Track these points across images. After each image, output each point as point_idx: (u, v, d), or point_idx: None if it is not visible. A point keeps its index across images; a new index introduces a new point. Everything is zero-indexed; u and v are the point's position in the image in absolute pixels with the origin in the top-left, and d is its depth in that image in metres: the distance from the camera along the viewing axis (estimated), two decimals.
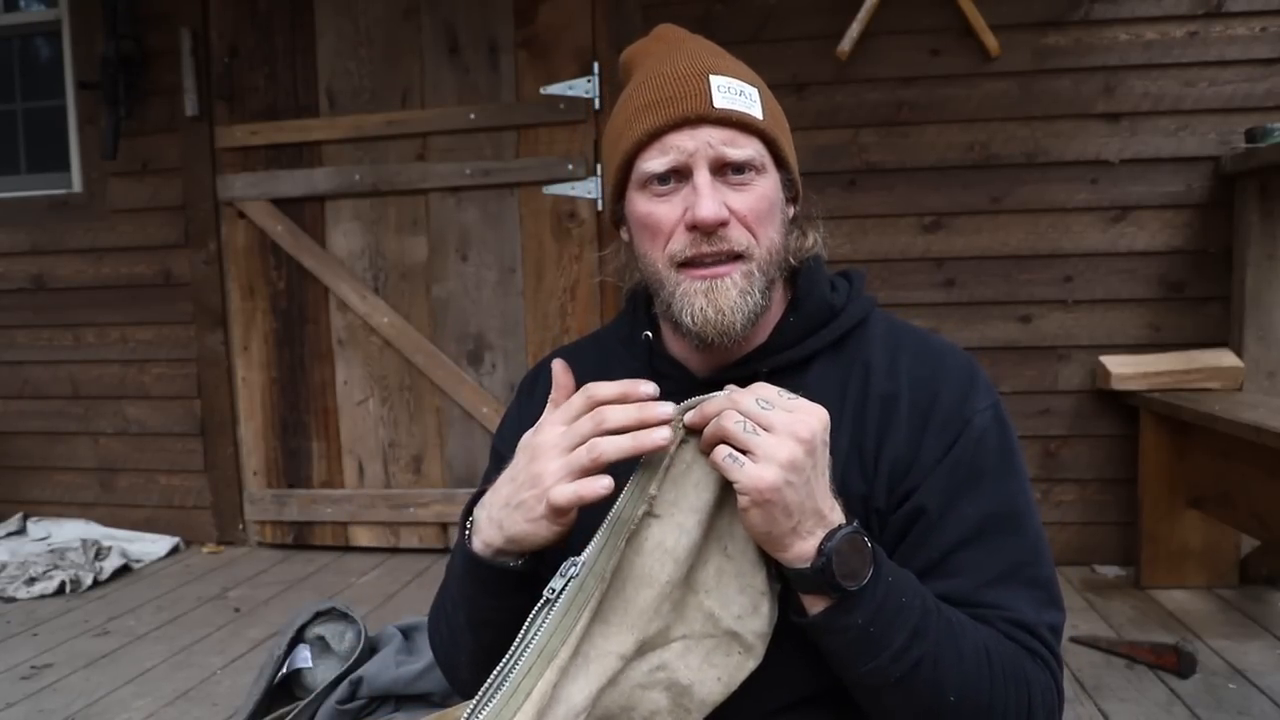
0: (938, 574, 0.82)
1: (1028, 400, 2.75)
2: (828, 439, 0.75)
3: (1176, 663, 2.01)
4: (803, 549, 0.74)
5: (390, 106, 3.02)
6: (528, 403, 1.03)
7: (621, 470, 0.75)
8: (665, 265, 0.86)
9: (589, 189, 2.91)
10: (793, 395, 0.75)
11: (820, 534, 0.74)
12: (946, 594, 0.81)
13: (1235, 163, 2.54)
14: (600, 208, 2.91)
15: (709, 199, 0.82)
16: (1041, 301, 2.75)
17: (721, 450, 0.73)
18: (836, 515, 0.75)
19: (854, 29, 2.69)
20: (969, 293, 2.78)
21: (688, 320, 0.84)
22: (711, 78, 0.84)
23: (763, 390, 0.75)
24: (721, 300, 0.83)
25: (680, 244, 0.84)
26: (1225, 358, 2.58)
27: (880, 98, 2.76)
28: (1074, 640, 2.21)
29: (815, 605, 0.76)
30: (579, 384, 0.98)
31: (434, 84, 3.00)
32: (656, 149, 0.84)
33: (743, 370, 0.89)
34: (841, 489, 0.84)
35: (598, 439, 0.73)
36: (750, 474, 0.71)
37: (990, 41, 2.66)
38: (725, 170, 0.84)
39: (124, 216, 3.26)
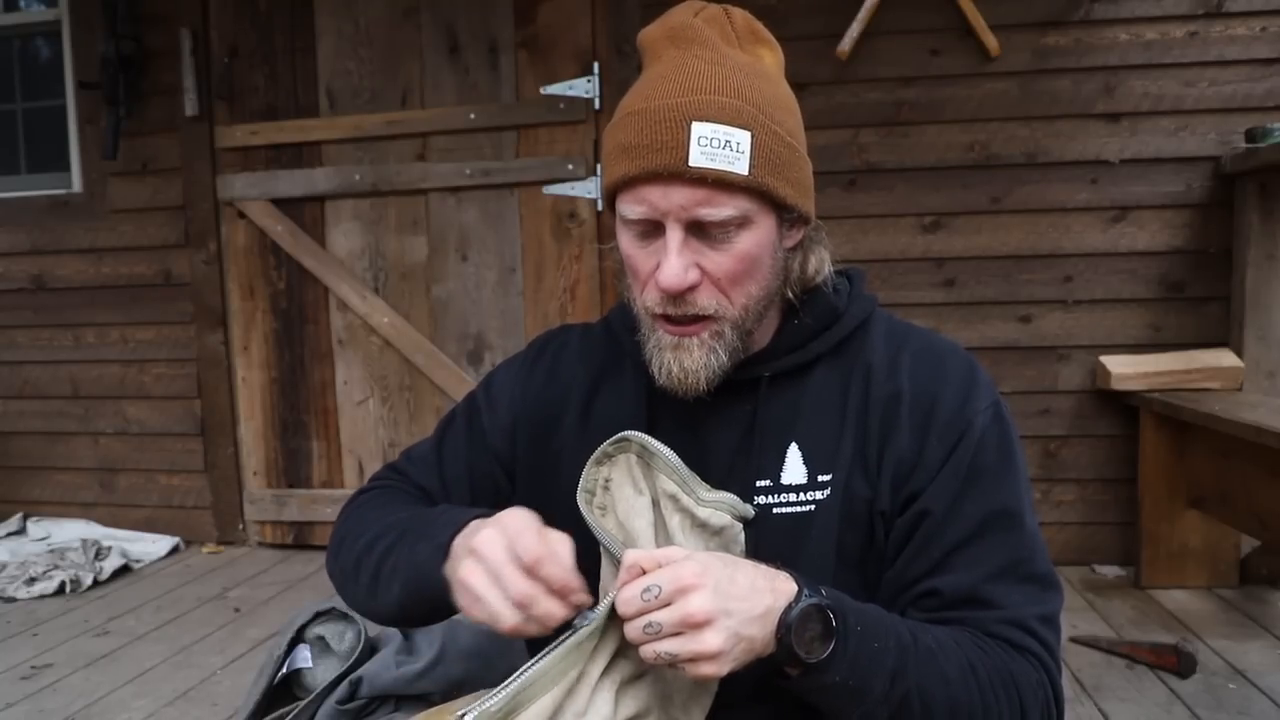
0: (938, 571, 0.83)
1: (1028, 400, 2.75)
2: (712, 564, 0.72)
3: (1176, 663, 2.01)
4: (766, 646, 0.74)
5: (390, 106, 3.02)
6: (532, 370, 1.03)
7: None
8: (642, 309, 0.87)
9: (589, 189, 2.91)
10: (663, 555, 0.73)
11: (771, 627, 0.73)
12: (944, 589, 0.82)
13: (1235, 163, 2.54)
14: (600, 208, 2.91)
15: (674, 265, 0.80)
16: (1041, 301, 2.75)
17: (664, 658, 0.71)
18: (780, 599, 0.74)
19: (854, 29, 2.69)
20: (969, 293, 2.78)
21: (655, 371, 0.86)
22: (694, 126, 0.77)
23: (638, 582, 0.71)
24: (686, 360, 0.84)
25: (652, 299, 0.84)
26: (1225, 358, 2.58)
27: (880, 98, 2.76)
28: (1074, 640, 2.21)
29: (793, 667, 0.76)
30: (589, 371, 0.99)
31: (434, 84, 3.00)
32: (632, 196, 0.81)
33: (746, 374, 0.89)
34: (846, 492, 0.85)
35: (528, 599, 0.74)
36: (702, 672, 0.71)
37: (990, 41, 2.66)
38: (703, 227, 0.81)
39: (124, 216, 3.25)
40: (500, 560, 0.74)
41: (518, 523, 0.76)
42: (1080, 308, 2.73)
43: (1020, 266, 2.75)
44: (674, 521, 0.84)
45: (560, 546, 0.75)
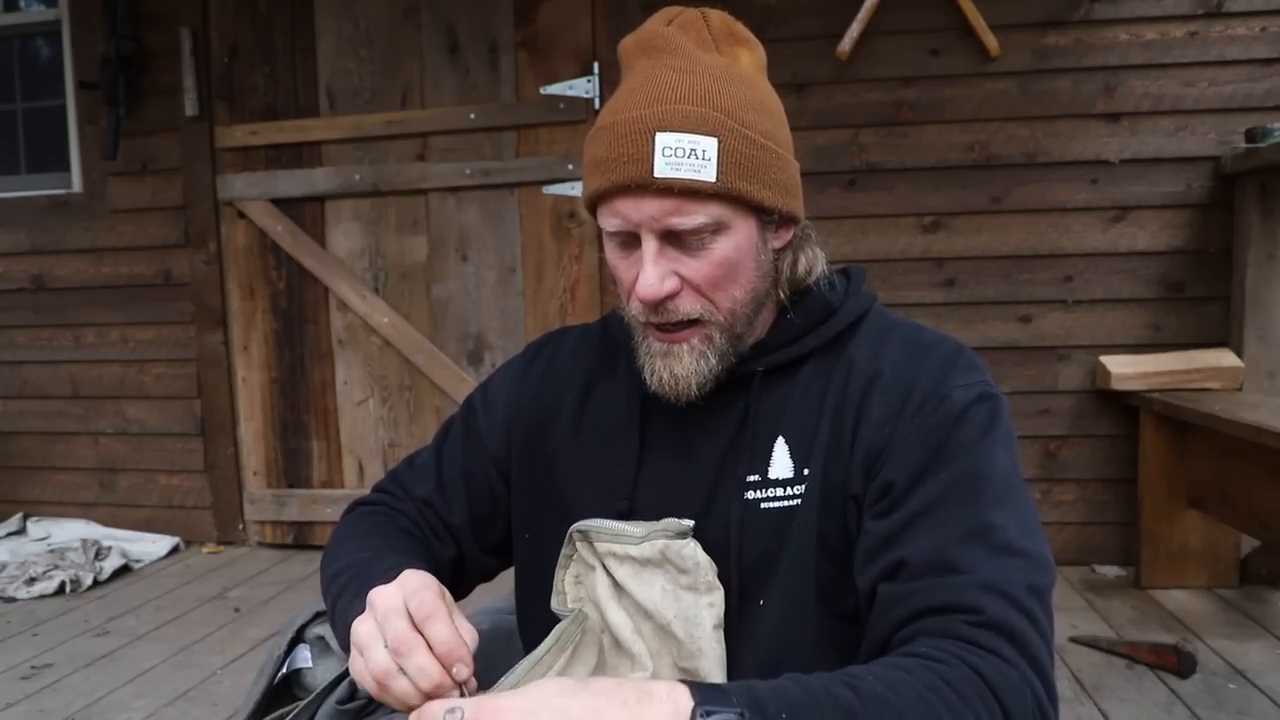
0: (900, 541, 0.77)
1: (1028, 400, 2.75)
2: (539, 689, 0.62)
3: (1176, 663, 2.01)
4: None
5: (390, 106, 3.02)
6: (527, 372, 1.04)
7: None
8: (632, 318, 0.88)
9: None
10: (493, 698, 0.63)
11: None
12: (912, 558, 0.75)
13: (1235, 163, 2.54)
14: None
15: (649, 275, 0.80)
16: (1041, 301, 2.75)
17: None
18: (650, 715, 0.61)
19: (854, 29, 2.69)
20: (969, 293, 2.78)
21: (647, 378, 0.87)
22: (658, 137, 0.78)
23: (440, 702, 0.64)
24: (676, 367, 0.85)
25: (636, 309, 0.85)
26: (1225, 358, 2.58)
27: (880, 98, 2.76)
28: (1074, 640, 2.21)
29: None
30: (584, 372, 1.00)
31: (434, 84, 3.01)
32: (607, 210, 0.82)
33: (740, 369, 0.89)
34: (824, 481, 0.84)
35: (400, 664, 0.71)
36: None
37: (990, 41, 2.66)
38: (678, 235, 0.81)
39: (124, 216, 3.26)
40: (389, 608, 0.72)
41: (418, 581, 0.74)
42: (1080, 308, 2.74)
43: (1020, 266, 2.75)
44: (621, 572, 0.85)
45: (468, 633, 0.73)
